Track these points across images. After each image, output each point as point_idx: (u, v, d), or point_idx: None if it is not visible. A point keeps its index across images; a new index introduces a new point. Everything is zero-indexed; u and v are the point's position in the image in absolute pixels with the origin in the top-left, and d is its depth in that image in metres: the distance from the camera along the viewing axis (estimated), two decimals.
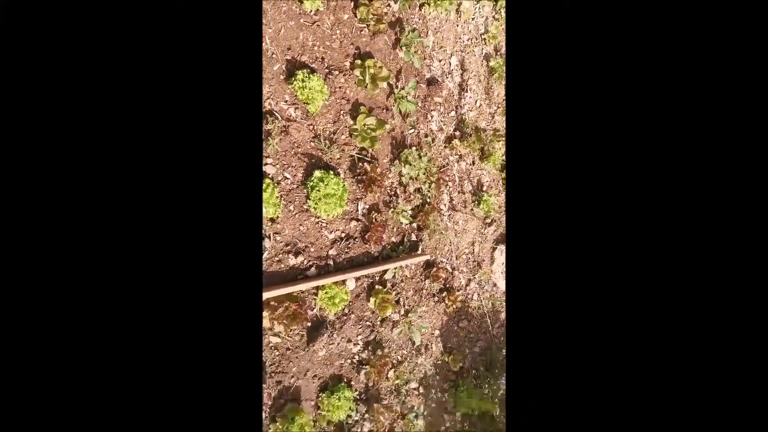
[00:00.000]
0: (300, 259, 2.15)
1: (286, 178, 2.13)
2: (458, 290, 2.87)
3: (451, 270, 2.88)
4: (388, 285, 2.46)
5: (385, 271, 2.45)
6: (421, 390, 2.63)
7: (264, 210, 1.99)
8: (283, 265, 2.10)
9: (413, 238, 2.63)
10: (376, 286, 2.40)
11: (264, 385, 1.90)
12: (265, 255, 2.05)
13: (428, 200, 2.67)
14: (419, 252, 2.62)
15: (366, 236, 2.35)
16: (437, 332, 2.79)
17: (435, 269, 2.72)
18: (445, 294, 2.79)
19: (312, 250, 2.20)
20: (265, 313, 2.00)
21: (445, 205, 2.84)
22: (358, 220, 2.37)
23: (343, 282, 2.26)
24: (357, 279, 2.35)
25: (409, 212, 2.59)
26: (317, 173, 2.13)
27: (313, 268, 2.18)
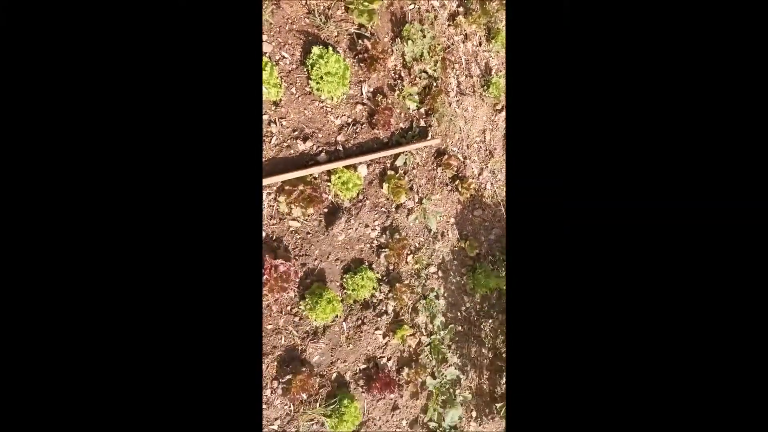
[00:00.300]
0: (309, 144, 2.12)
1: (284, 57, 2.02)
2: (471, 179, 2.85)
3: (462, 159, 2.84)
4: (400, 172, 2.45)
5: (396, 158, 2.42)
6: (440, 274, 2.73)
7: (265, 91, 1.92)
8: (292, 151, 2.07)
9: (422, 123, 2.56)
10: (389, 172, 2.39)
11: (289, 263, 1.97)
12: (273, 141, 2.02)
13: (435, 81, 2.55)
14: (429, 138, 2.57)
15: (373, 120, 2.29)
16: (452, 220, 2.83)
17: (446, 157, 2.68)
18: (457, 182, 2.77)
19: (320, 135, 2.16)
20: (281, 198, 2.01)
21: (452, 89, 2.72)
22: (363, 104, 2.29)
23: (355, 168, 2.24)
24: (369, 166, 2.33)
25: (416, 96, 2.49)
26: (316, 49, 2.01)
27: (323, 154, 2.15)
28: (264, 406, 1.94)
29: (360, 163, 2.26)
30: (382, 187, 2.38)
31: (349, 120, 2.26)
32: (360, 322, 2.30)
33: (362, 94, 2.30)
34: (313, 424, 2.06)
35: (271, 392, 1.96)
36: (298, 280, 2.06)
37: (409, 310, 2.50)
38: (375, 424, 2.30)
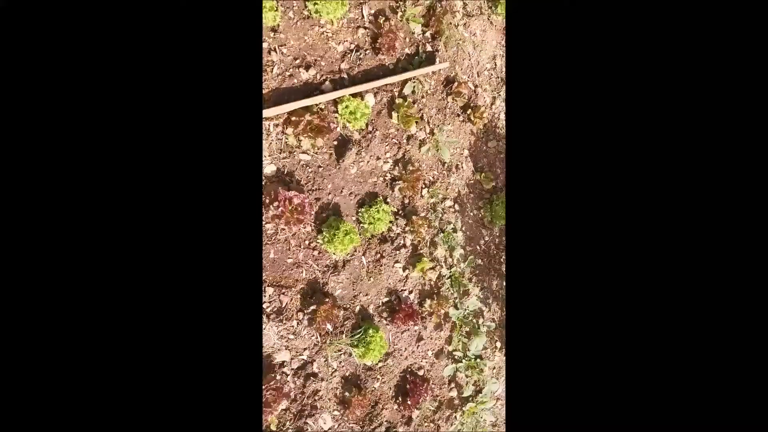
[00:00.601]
0: (312, 72, 2.03)
1: None
2: (483, 108, 2.74)
3: (473, 87, 2.71)
4: (409, 100, 2.35)
5: (403, 85, 2.32)
6: (457, 207, 2.68)
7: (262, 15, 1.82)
8: (296, 81, 2.00)
9: (428, 48, 2.43)
10: (397, 101, 2.30)
11: (303, 195, 1.94)
12: (274, 70, 1.94)
13: (439, 2, 2.40)
14: (437, 63, 2.44)
15: (377, 45, 2.18)
16: (466, 152, 2.74)
17: (456, 85, 2.56)
18: (469, 112, 2.66)
19: (323, 63, 2.07)
20: (288, 130, 1.96)
21: (458, 10, 2.56)
22: (365, 27, 2.18)
23: (362, 97, 2.16)
24: (376, 95, 2.24)
25: (420, 18, 2.35)
26: None
27: (327, 83, 2.07)
28: (292, 336, 1.97)
29: (366, 91, 2.17)
30: (391, 117, 2.30)
31: (352, 46, 2.15)
32: (379, 256, 2.29)
33: (363, 17, 2.17)
34: (341, 354, 2.10)
35: (297, 323, 1.98)
36: (313, 213, 2.03)
37: (428, 243, 2.47)
38: (401, 355, 2.34)
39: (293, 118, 1.94)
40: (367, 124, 2.21)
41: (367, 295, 2.23)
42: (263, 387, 1.82)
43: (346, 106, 2.07)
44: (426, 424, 2.42)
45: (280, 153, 1.98)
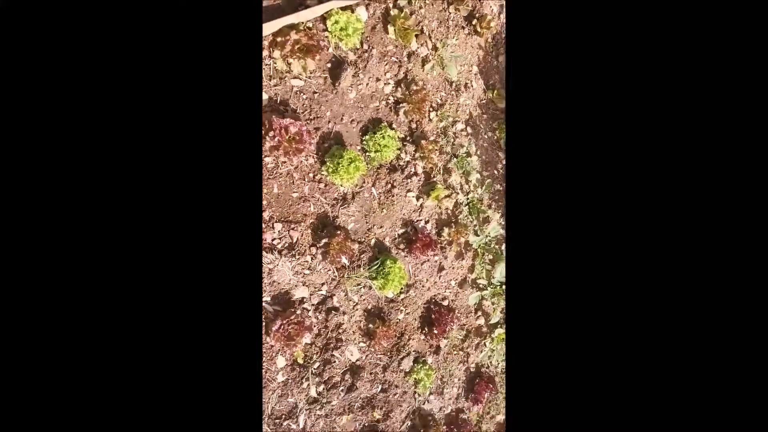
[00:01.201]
0: None
1: None
2: (489, 17, 2.47)
3: None
4: (405, 11, 2.13)
5: None
6: (469, 130, 2.50)
7: None
8: None
9: None
10: (392, 12, 2.08)
11: (300, 122, 1.82)
12: None
13: None
14: None
15: None
16: (475, 69, 2.52)
17: None
18: (475, 22, 2.42)
19: None
20: (276, 54, 1.81)
21: None
22: None
23: (353, 10, 1.96)
24: (368, 7, 2.03)
25: None
26: None
27: None
28: (307, 272, 1.93)
29: (357, 3, 1.97)
30: (387, 32, 2.10)
31: None
32: (389, 186, 2.17)
33: None
34: (360, 288, 2.05)
35: (312, 258, 1.93)
36: (313, 143, 1.92)
37: (441, 170, 2.33)
38: (423, 286, 2.28)
39: (278, 39, 1.78)
40: (361, 42, 2.02)
41: (381, 227, 2.15)
42: (285, 322, 1.80)
43: (336, 21, 1.88)
44: (455, 352, 2.39)
45: (270, 80, 1.84)
